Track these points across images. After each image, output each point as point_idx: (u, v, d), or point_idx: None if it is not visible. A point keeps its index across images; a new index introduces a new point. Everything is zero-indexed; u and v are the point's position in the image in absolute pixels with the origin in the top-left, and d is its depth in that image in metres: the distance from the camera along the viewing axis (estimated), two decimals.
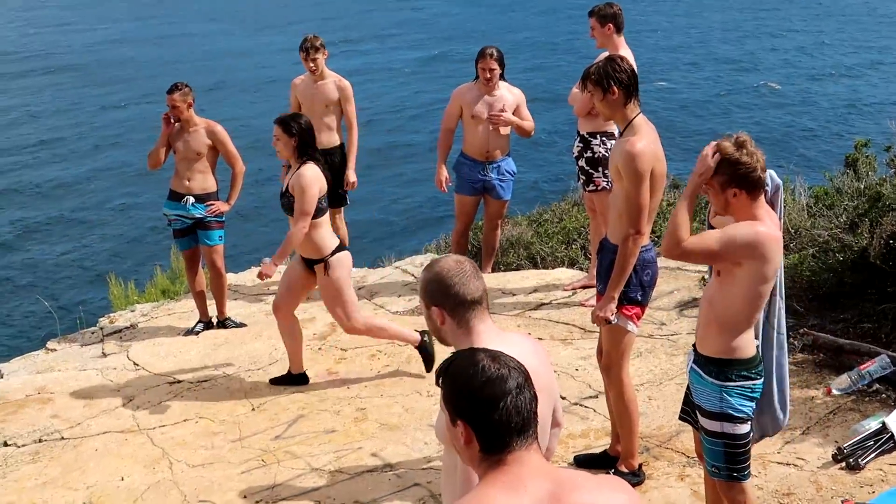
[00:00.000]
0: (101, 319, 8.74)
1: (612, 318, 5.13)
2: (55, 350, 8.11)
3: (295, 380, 6.92)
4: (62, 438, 6.42)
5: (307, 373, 6.94)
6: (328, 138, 8.52)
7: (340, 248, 6.68)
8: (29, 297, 16.53)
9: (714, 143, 4.27)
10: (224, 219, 8.10)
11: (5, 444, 6.39)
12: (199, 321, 8.17)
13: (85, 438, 6.39)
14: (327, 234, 6.60)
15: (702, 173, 4.22)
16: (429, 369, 6.84)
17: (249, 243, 21.55)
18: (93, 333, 8.35)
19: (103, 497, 5.70)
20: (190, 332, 8.07)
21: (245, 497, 5.61)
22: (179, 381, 7.06)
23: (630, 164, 4.97)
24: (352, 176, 8.64)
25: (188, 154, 7.94)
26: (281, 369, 7.06)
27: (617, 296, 5.13)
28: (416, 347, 6.91)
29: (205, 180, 7.99)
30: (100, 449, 6.26)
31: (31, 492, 5.83)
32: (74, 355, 7.88)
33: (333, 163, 8.52)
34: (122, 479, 5.88)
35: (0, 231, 23.10)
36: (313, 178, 6.43)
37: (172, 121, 7.93)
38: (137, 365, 7.38)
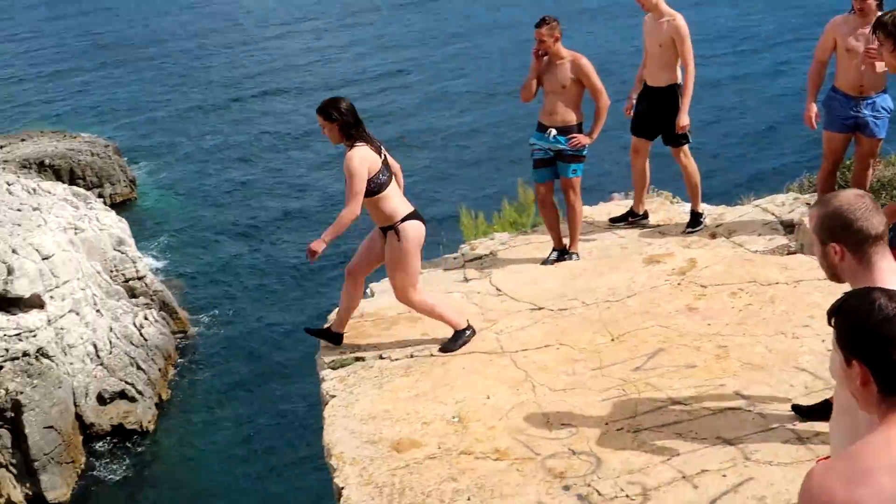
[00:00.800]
0: (462, 246, 9.12)
1: None
2: (421, 273, 8.55)
3: (330, 336, 7.06)
4: (431, 355, 6.80)
5: (667, 306, 6.95)
6: (661, 77, 8.41)
7: (413, 216, 6.65)
8: None
9: None
10: (585, 152, 8.20)
11: (380, 358, 6.85)
12: (554, 249, 8.36)
13: (452, 357, 6.74)
14: (396, 203, 6.62)
15: None
16: (444, 350, 6.78)
17: (606, 176, 21.66)
18: (455, 259, 8.74)
19: (471, 412, 6.00)
20: (546, 261, 8.27)
21: (606, 424, 5.72)
22: (540, 308, 7.27)
23: None
24: (683, 119, 8.37)
25: (554, 87, 8.09)
26: (642, 301, 7.13)
27: None
28: (457, 331, 6.85)
29: (568, 113, 8.11)
30: (466, 367, 6.58)
31: (405, 402, 6.24)
32: (438, 279, 8.28)
33: (663, 102, 8.40)
34: (488, 398, 6.15)
35: None
36: (361, 160, 6.43)
37: (540, 54, 8.09)
38: (500, 290, 7.67)
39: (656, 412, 5.78)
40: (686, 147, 8.56)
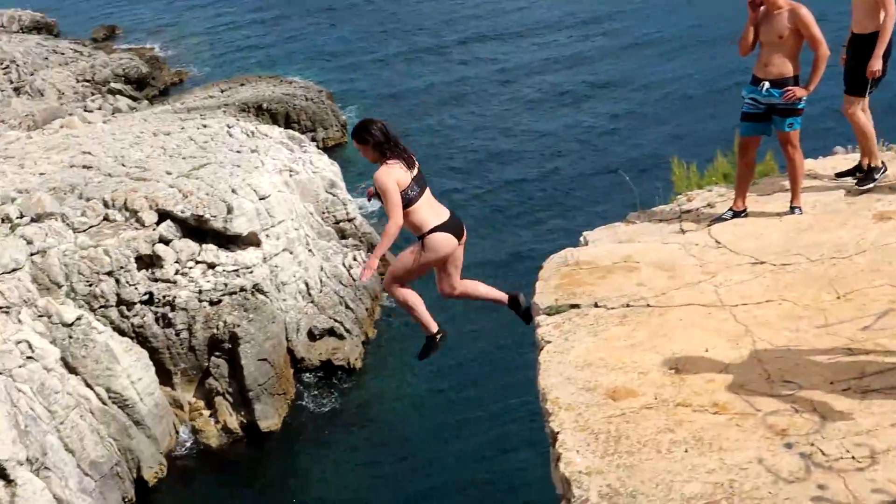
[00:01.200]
0: (678, 197, 8.99)
1: None
2: (634, 223, 8.49)
3: (517, 301, 7.30)
4: (648, 306, 6.75)
5: None
6: (865, 24, 8.10)
7: (443, 227, 6.77)
8: (609, 170, 17.43)
9: None
10: (802, 105, 7.90)
11: (596, 306, 6.86)
12: (730, 209, 8.10)
13: (669, 308, 6.67)
14: (425, 215, 6.80)
15: None
16: (422, 357, 7.32)
17: (827, 128, 20.77)
18: (670, 210, 8.62)
19: (689, 364, 5.94)
20: (718, 218, 8.03)
21: (831, 383, 5.55)
22: (762, 262, 7.09)
23: None
24: (874, 63, 7.99)
25: (770, 38, 7.83)
26: (872, 259, 6.86)
27: None
28: (428, 336, 7.24)
29: (783, 65, 7.84)
30: (684, 319, 6.50)
31: (620, 350, 6.23)
32: (654, 229, 8.20)
33: (864, 50, 8.05)
34: (706, 351, 6.07)
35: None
36: (388, 175, 6.65)
37: (757, 3, 7.85)
38: (719, 243, 7.53)
39: (886, 374, 5.56)
40: (861, 101, 8.13)
